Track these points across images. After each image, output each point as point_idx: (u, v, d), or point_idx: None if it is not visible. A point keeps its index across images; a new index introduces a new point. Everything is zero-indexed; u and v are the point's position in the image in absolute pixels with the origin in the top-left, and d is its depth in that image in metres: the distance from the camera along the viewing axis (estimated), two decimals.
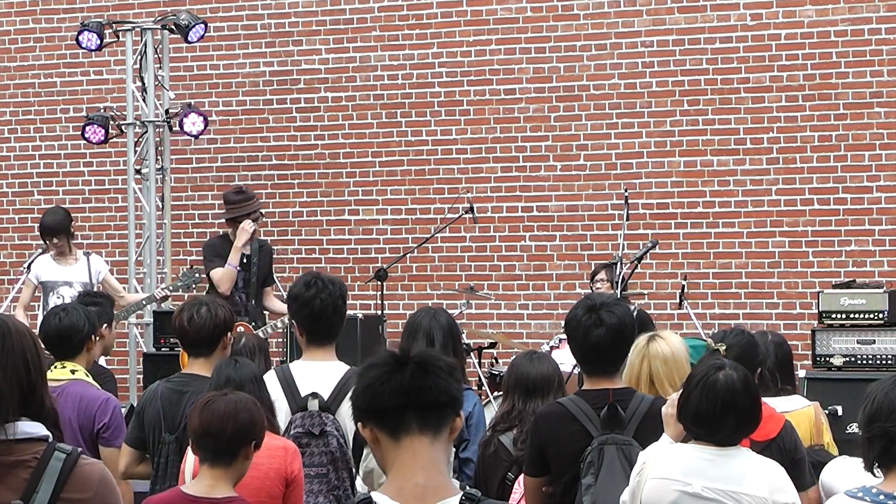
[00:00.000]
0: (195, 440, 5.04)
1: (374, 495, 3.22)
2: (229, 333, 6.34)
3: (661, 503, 4.86)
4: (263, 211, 11.51)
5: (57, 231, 10.87)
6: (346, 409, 5.91)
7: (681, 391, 5.04)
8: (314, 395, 5.93)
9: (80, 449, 4.35)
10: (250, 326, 10.71)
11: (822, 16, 11.88)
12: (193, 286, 11.35)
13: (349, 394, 5.87)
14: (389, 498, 3.20)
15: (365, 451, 5.88)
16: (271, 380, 6.12)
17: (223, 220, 11.26)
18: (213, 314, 6.22)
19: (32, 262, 11.38)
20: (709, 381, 4.89)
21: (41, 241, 10.85)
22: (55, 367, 6.69)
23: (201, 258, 11.20)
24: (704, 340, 6.48)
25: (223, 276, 10.80)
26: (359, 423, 3.29)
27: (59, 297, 10.56)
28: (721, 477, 4.81)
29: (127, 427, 6.50)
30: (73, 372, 6.66)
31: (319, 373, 6.03)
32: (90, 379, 6.72)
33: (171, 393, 6.11)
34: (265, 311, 11.16)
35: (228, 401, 4.87)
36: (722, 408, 4.86)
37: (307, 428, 5.87)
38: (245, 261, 10.90)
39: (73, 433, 6.54)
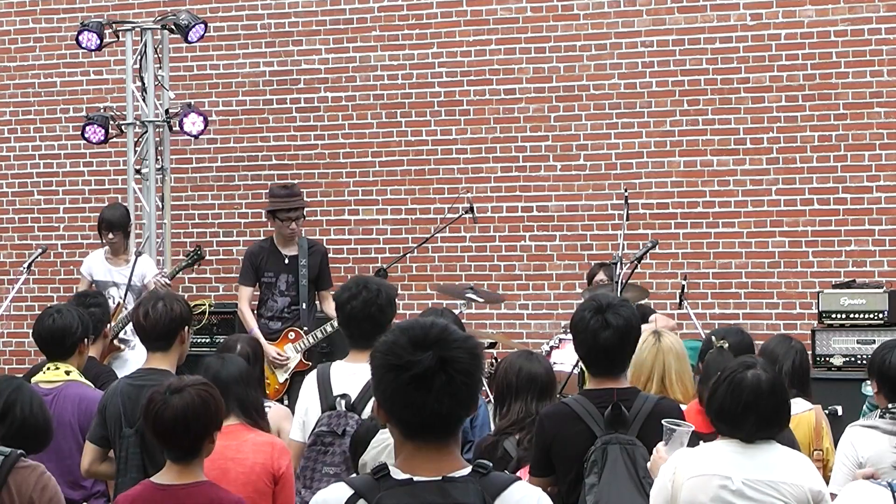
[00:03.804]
0: (157, 443, 5.04)
1: (392, 469, 3.30)
2: (187, 327, 6.33)
3: (704, 498, 4.88)
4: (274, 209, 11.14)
5: (114, 226, 10.85)
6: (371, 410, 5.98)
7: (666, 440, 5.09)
8: (343, 395, 5.97)
9: (18, 451, 4.39)
10: (301, 332, 10.64)
11: (822, 16, 11.88)
12: (196, 266, 11.36)
13: None
14: (401, 471, 3.29)
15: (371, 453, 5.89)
16: (312, 379, 6.17)
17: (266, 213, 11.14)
18: (169, 308, 6.20)
19: (32, 261, 11.38)
20: (736, 378, 4.94)
21: (40, 242, 10.82)
22: (48, 369, 6.68)
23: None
24: (703, 340, 6.49)
25: (241, 318, 10.86)
26: (376, 403, 3.34)
27: (109, 298, 10.50)
28: (757, 468, 4.85)
29: None
30: (67, 373, 6.65)
31: (353, 374, 6.09)
32: (84, 379, 6.72)
33: (131, 388, 6.09)
34: (318, 316, 10.90)
35: (176, 409, 4.81)
36: (744, 407, 4.90)
37: (332, 427, 5.92)
38: (288, 262, 10.78)
39: (74, 435, 6.54)
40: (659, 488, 5.00)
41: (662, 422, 5.33)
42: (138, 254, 11.09)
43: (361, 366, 6.09)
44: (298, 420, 6.19)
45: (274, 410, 6.67)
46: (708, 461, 4.92)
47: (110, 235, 10.87)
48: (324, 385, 6.08)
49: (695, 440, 5.92)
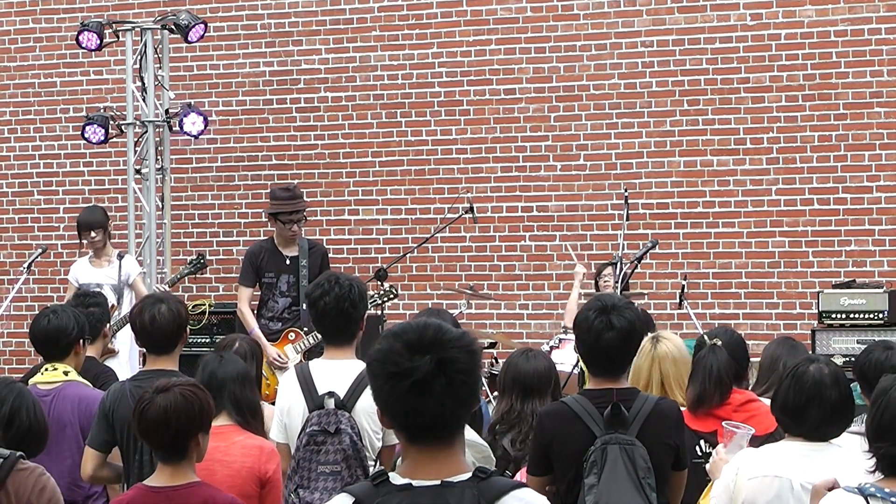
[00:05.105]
0: (143, 442, 5.05)
1: (391, 475, 3.29)
2: (187, 328, 6.33)
3: (764, 499, 4.91)
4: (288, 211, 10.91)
5: (93, 225, 10.85)
6: (361, 407, 5.95)
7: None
8: (331, 393, 5.94)
9: (18, 454, 4.40)
10: (301, 333, 10.64)
11: (822, 16, 11.89)
12: (198, 273, 11.37)
13: (365, 391, 5.94)
14: (399, 476, 3.28)
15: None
16: (291, 378, 6.13)
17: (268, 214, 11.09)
18: (176, 312, 6.18)
19: (32, 261, 11.39)
20: (798, 371, 5.00)
21: (40, 242, 10.81)
22: (46, 370, 6.67)
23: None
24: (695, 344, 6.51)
25: (241, 318, 10.81)
26: (379, 410, 3.32)
27: None
28: (818, 470, 4.85)
29: None
30: (65, 373, 6.64)
31: (336, 371, 6.05)
32: (82, 379, 6.70)
33: (141, 391, 6.00)
34: None
35: (158, 407, 4.80)
36: (807, 399, 4.93)
37: (323, 426, 5.89)
38: (289, 262, 10.77)
39: (75, 435, 6.53)
40: (722, 488, 5.05)
41: (723, 424, 5.44)
42: (121, 255, 11.08)
43: (341, 362, 6.09)
44: (279, 421, 6.15)
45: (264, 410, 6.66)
46: (770, 462, 4.95)
47: (92, 234, 10.86)
48: (307, 384, 6.04)
49: (693, 439, 5.93)
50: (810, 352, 10.29)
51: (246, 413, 5.88)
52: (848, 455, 5.00)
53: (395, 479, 3.28)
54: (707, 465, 5.35)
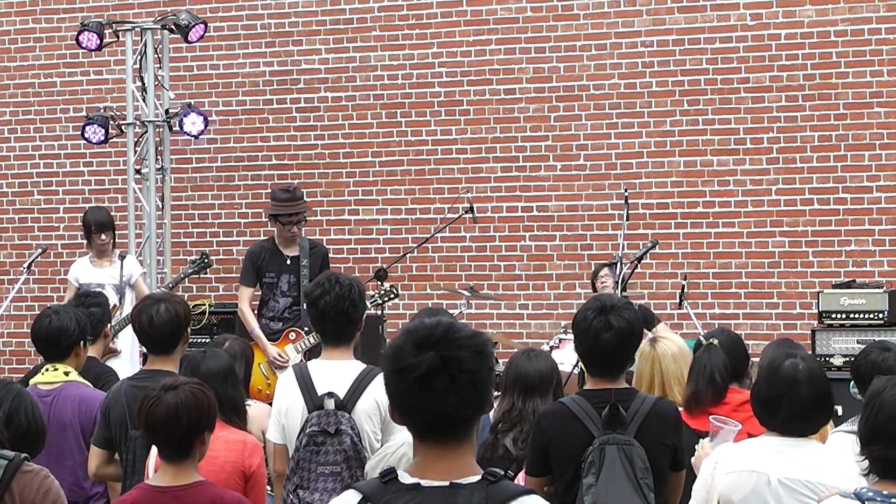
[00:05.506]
0: (148, 439, 5.06)
1: (400, 473, 3.31)
2: (189, 327, 6.33)
3: (741, 494, 4.91)
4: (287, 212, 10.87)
5: (105, 227, 10.87)
6: (361, 408, 5.95)
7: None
8: (330, 394, 5.94)
9: (23, 455, 4.43)
10: (301, 332, 10.65)
11: (822, 16, 11.89)
12: (202, 272, 11.38)
13: (364, 392, 5.96)
14: (408, 475, 3.29)
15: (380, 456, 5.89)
16: (289, 378, 6.12)
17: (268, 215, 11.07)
18: (174, 313, 6.18)
19: (32, 261, 11.39)
20: (774, 365, 5.04)
21: (40, 242, 10.81)
22: (46, 370, 6.67)
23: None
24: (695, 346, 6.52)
25: (242, 318, 10.79)
26: (390, 406, 3.35)
27: None
28: (796, 466, 4.86)
29: None
30: (66, 374, 6.64)
31: (336, 372, 6.04)
32: (82, 380, 6.70)
33: (136, 390, 5.98)
34: None
35: (168, 405, 4.81)
36: (778, 394, 4.96)
37: (323, 426, 5.89)
38: (290, 262, 10.77)
39: (75, 435, 6.54)
40: (701, 482, 5.07)
41: (710, 419, 5.45)
42: (122, 255, 11.10)
43: (340, 363, 6.09)
44: (276, 421, 6.14)
45: (255, 409, 6.65)
46: (748, 457, 4.97)
47: (102, 237, 10.87)
48: (306, 385, 6.03)
49: (692, 438, 5.93)
50: (810, 352, 10.31)
51: (227, 409, 5.87)
52: (826, 452, 5.00)
53: (404, 477, 3.29)
54: (692, 460, 5.36)
